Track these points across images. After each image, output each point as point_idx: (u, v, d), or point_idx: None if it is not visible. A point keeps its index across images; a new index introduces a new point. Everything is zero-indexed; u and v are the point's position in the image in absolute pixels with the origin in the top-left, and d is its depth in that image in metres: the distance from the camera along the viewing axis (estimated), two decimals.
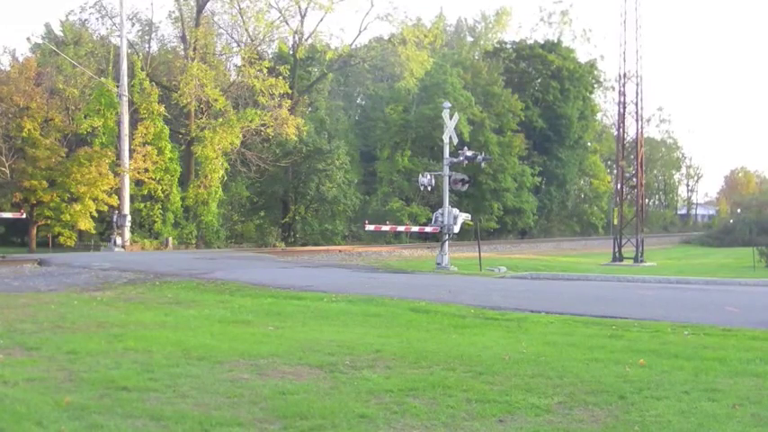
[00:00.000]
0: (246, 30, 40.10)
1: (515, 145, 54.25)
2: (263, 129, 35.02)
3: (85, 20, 38.34)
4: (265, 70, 35.96)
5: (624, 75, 35.96)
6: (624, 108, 36.22)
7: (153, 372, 6.61)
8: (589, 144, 68.97)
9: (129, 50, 35.43)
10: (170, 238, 32.54)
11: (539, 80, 61.68)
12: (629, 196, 37.66)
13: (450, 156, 22.93)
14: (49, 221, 31.23)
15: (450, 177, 22.69)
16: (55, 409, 5.37)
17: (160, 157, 32.71)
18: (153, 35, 41.52)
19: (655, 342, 8.50)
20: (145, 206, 33.27)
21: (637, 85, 35.51)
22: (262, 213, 42.23)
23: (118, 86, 31.64)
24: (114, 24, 37.11)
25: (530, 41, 65.19)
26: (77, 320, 9.91)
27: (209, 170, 34.31)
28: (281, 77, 35.67)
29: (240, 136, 34.85)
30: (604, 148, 72.58)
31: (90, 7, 37.72)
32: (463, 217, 23.05)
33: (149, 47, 40.34)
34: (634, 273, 24.25)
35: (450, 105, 24.21)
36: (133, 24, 40.16)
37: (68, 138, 32.55)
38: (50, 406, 5.43)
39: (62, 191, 30.84)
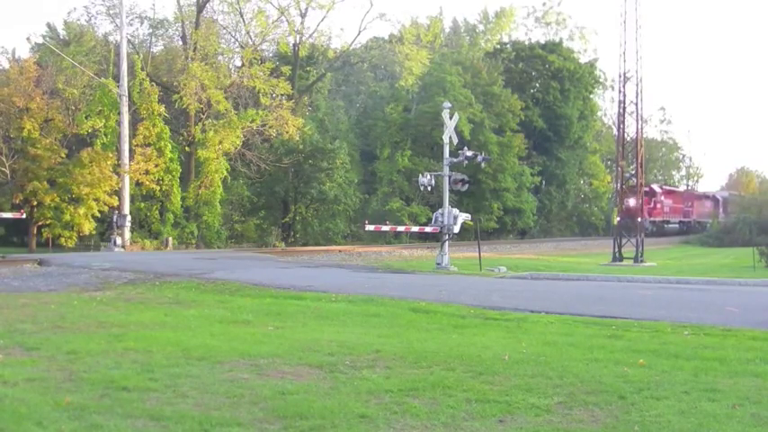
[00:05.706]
0: (247, 30, 40.12)
1: (515, 145, 54.20)
2: (264, 129, 35.01)
3: (91, 16, 38.22)
4: (266, 71, 35.94)
5: (624, 75, 35.81)
6: (624, 108, 36.11)
7: (153, 372, 6.61)
8: (589, 144, 68.92)
9: (130, 50, 35.35)
10: (170, 239, 32.49)
11: (539, 80, 61.62)
12: None
13: (450, 156, 22.91)
14: (49, 222, 31.21)
15: (450, 177, 22.67)
16: (55, 409, 5.37)
17: (161, 158, 32.68)
18: (157, 34, 41.47)
19: (655, 342, 8.51)
20: (145, 206, 33.24)
21: (637, 85, 35.35)
22: (262, 213, 42.17)
23: (118, 86, 31.62)
24: (115, 23, 37.11)
25: (529, 42, 65.16)
26: (77, 320, 9.90)
27: (210, 171, 34.29)
28: (282, 78, 35.63)
29: (241, 136, 34.83)
30: (604, 148, 72.50)
31: (99, 4, 37.60)
32: (463, 217, 23.01)
33: (150, 46, 40.28)
34: (634, 273, 24.18)
35: (450, 105, 24.16)
36: (141, 23, 40.06)
37: (69, 138, 32.53)
38: (50, 406, 5.44)
39: (63, 192, 30.82)
